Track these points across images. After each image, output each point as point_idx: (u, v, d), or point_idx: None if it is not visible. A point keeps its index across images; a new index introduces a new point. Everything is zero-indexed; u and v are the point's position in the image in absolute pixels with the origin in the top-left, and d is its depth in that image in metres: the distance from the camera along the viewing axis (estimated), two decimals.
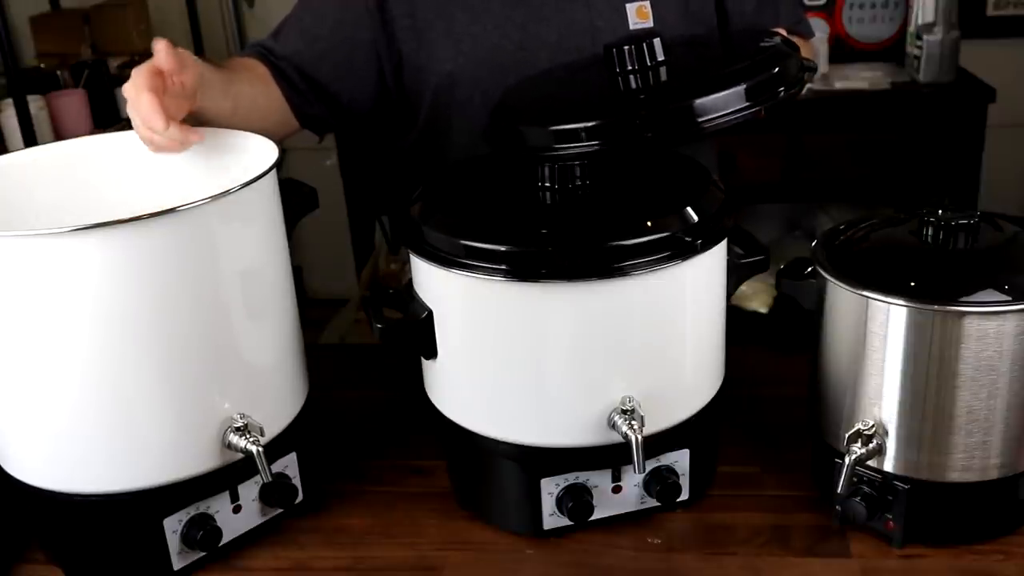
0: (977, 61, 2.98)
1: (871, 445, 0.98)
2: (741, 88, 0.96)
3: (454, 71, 1.31)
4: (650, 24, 1.33)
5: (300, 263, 3.55)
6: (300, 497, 1.10)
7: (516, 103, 1.14)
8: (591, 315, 0.94)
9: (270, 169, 1.00)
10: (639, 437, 0.95)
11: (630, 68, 1.04)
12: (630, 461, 0.96)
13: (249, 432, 0.98)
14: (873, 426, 0.98)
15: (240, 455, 0.99)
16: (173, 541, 1.00)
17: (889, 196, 3.08)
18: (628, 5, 1.32)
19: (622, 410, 0.97)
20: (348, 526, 1.10)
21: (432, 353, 1.03)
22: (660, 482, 1.04)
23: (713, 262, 1.00)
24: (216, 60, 1.24)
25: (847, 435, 0.99)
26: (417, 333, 1.02)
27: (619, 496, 1.05)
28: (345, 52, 1.33)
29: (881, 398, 0.98)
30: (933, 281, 0.95)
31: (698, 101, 0.95)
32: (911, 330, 0.94)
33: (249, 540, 1.06)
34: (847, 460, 0.98)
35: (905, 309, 0.94)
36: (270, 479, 1.00)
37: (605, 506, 1.05)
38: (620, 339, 0.96)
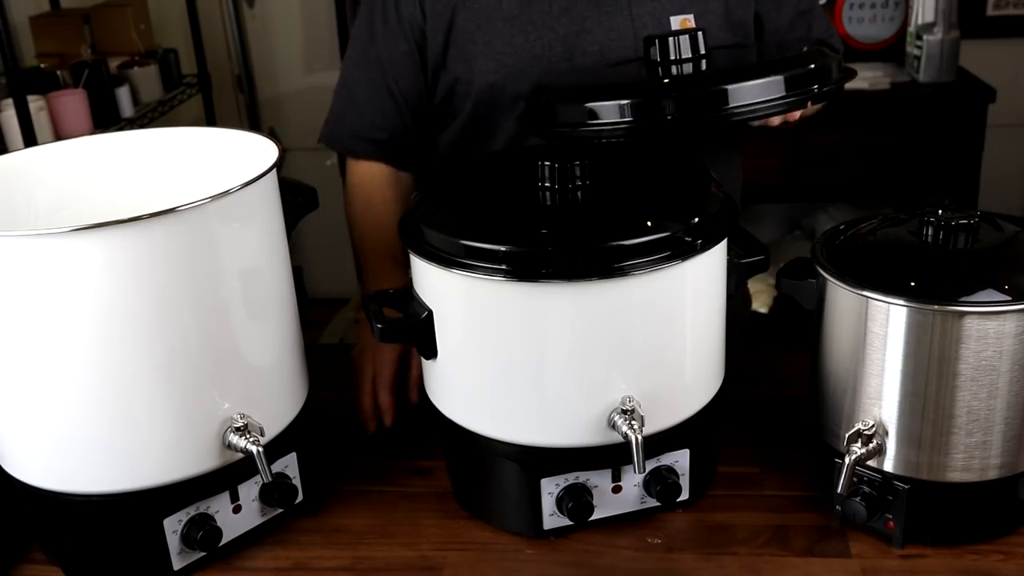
0: (977, 61, 2.98)
1: (871, 445, 0.98)
2: (779, 78, 0.94)
3: (496, 82, 1.32)
4: None
5: (300, 263, 3.55)
6: (300, 497, 1.10)
7: (553, 84, 1.13)
8: (591, 315, 0.94)
9: (270, 169, 1.00)
10: (639, 437, 0.95)
11: (673, 58, 1.03)
12: (630, 461, 0.96)
13: (249, 432, 0.98)
14: (873, 426, 0.98)
15: (240, 455, 0.99)
16: (173, 541, 1.00)
17: (889, 196, 3.08)
18: (672, 17, 1.33)
19: (622, 410, 0.97)
20: (348, 526, 1.10)
21: (432, 353, 1.03)
22: (660, 482, 1.04)
23: (713, 262, 1.00)
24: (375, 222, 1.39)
25: (847, 435, 0.99)
26: (417, 333, 1.02)
27: (619, 496, 1.05)
28: (400, 100, 1.39)
29: (881, 398, 0.98)
30: (933, 281, 0.95)
31: (732, 86, 0.94)
32: (911, 330, 0.94)
33: (249, 540, 1.06)
34: (847, 460, 0.98)
35: (905, 309, 0.94)
36: (270, 479, 1.00)
37: (605, 506, 1.05)
38: (620, 339, 0.96)
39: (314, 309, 3.51)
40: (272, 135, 1.03)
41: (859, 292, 0.96)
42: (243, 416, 0.99)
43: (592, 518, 1.04)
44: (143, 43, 3.21)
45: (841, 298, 0.99)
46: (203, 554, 1.03)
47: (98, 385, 0.93)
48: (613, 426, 0.97)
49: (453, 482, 1.13)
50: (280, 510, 1.08)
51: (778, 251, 3.14)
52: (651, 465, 1.04)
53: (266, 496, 1.06)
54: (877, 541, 1.02)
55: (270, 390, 1.04)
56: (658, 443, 1.01)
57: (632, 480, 1.04)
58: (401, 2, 1.35)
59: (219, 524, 1.02)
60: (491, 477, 1.06)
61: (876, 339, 0.96)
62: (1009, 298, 0.92)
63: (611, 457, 1.01)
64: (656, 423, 0.99)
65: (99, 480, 0.97)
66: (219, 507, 1.02)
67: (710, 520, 1.07)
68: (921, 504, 0.99)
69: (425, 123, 1.42)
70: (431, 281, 1.01)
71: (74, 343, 0.91)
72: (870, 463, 0.99)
